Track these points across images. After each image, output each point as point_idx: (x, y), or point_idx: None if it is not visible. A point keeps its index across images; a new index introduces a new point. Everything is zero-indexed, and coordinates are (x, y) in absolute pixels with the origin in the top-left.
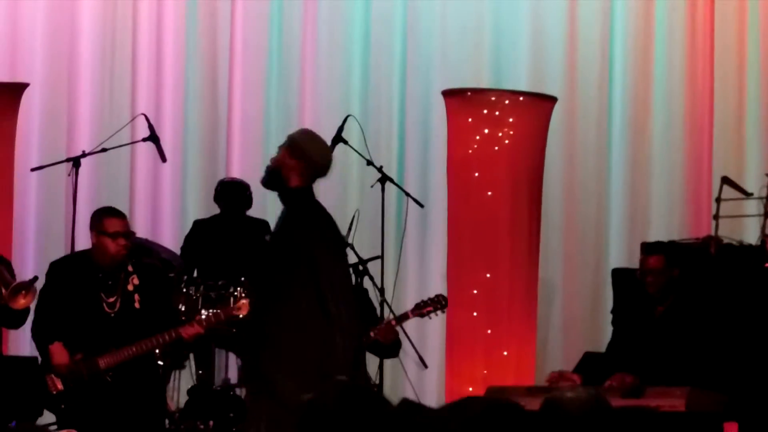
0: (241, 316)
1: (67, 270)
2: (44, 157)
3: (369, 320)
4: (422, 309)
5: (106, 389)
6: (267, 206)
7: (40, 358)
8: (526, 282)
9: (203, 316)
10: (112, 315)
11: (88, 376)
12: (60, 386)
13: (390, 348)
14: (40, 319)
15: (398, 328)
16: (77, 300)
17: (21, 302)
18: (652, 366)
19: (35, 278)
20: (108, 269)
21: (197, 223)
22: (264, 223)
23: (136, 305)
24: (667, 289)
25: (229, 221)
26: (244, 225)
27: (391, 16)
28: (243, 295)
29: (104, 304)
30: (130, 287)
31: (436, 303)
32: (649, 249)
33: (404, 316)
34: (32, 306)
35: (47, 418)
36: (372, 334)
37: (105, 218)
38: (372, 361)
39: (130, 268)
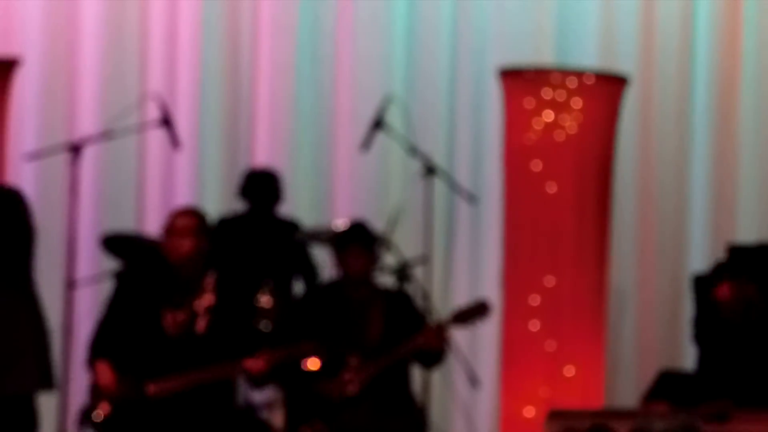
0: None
1: (136, 276)
2: (41, 143)
3: (410, 331)
4: (461, 318)
5: (156, 417)
6: (296, 203)
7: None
8: (594, 290)
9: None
10: (172, 337)
11: (134, 402)
12: (107, 409)
13: (434, 355)
14: (97, 332)
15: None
16: (139, 313)
17: None
18: (744, 387)
19: None
20: (180, 281)
21: (221, 223)
22: (294, 224)
23: (201, 329)
24: (747, 310)
25: (256, 219)
26: (273, 224)
27: None
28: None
29: (166, 323)
30: (201, 307)
31: (477, 311)
32: (713, 275)
33: (440, 326)
34: None
35: None
36: (420, 341)
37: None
38: (418, 378)
39: (208, 284)
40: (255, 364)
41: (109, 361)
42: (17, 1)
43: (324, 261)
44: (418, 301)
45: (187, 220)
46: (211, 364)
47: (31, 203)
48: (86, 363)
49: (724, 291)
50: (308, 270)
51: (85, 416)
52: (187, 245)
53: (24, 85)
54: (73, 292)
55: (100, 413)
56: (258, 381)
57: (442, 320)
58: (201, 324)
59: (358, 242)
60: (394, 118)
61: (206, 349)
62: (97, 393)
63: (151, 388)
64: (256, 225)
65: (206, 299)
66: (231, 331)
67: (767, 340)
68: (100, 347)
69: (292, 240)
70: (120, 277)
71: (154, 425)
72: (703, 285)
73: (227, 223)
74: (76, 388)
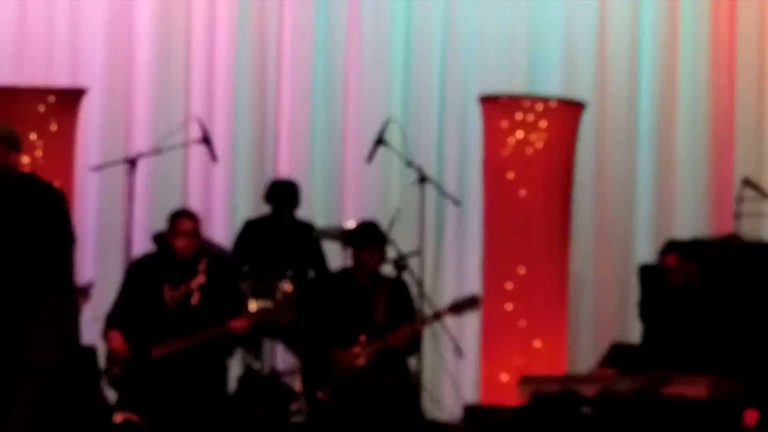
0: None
1: (144, 265)
2: (103, 159)
3: (407, 314)
4: (457, 309)
5: (160, 377)
6: (311, 207)
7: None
8: (558, 276)
9: (253, 310)
10: (171, 309)
11: (141, 364)
12: (119, 370)
13: (406, 352)
14: (112, 307)
15: (424, 329)
16: (145, 292)
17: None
18: (681, 356)
19: (91, 284)
20: (179, 264)
21: (248, 224)
22: (310, 225)
23: (194, 302)
24: (687, 281)
25: (278, 221)
26: (292, 225)
27: (431, 27)
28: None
29: (166, 298)
30: (194, 285)
31: (470, 303)
32: (663, 249)
33: (438, 315)
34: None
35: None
36: (390, 339)
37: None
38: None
39: (201, 266)
40: (238, 323)
41: (120, 331)
42: (82, 38)
43: (332, 254)
44: (413, 288)
45: (186, 223)
46: (202, 329)
47: (94, 207)
48: (101, 333)
49: (671, 259)
50: (320, 262)
51: (102, 375)
52: (186, 242)
53: (89, 110)
54: None
55: (114, 373)
56: (242, 339)
57: (440, 310)
58: (195, 298)
59: (374, 241)
60: (393, 136)
61: (199, 319)
62: (110, 357)
63: (155, 352)
64: (278, 225)
65: (199, 279)
66: (218, 304)
67: (704, 312)
68: (113, 320)
69: (308, 238)
70: (134, 265)
71: (157, 383)
72: (647, 273)
73: (253, 224)
74: None
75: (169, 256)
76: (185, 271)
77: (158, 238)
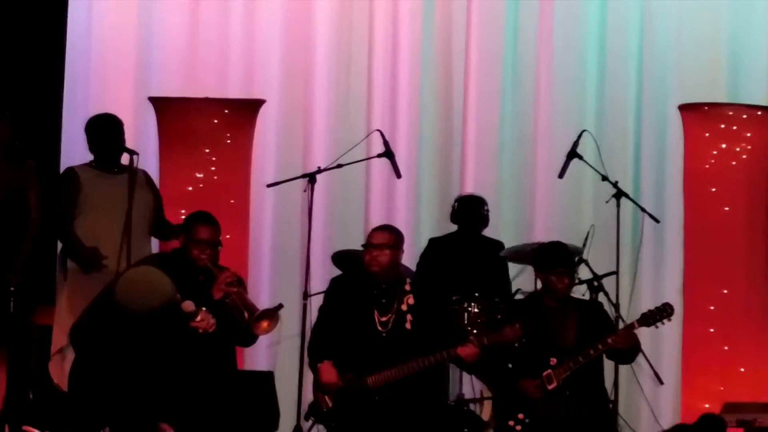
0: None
1: (344, 287)
2: (280, 173)
3: (606, 333)
4: (648, 319)
5: (376, 408)
6: (500, 225)
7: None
8: (763, 297)
9: (475, 336)
10: (384, 334)
11: (355, 395)
12: (330, 404)
13: (627, 353)
14: (315, 336)
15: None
16: (351, 317)
17: (263, 328)
18: None
19: (280, 306)
20: (384, 286)
21: (433, 241)
22: (499, 244)
23: (407, 325)
24: None
25: (465, 239)
26: (480, 244)
27: (627, 30)
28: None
29: (377, 323)
30: (404, 306)
31: (662, 312)
32: None
33: (630, 327)
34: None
35: None
36: (610, 340)
37: None
38: (608, 376)
39: (407, 287)
40: (467, 349)
41: (331, 361)
42: (258, 47)
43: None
44: (608, 310)
45: (384, 237)
46: (419, 355)
47: (270, 224)
48: (310, 365)
49: None
50: (505, 284)
51: (311, 410)
52: (386, 257)
53: (266, 123)
54: (308, 302)
55: (325, 406)
56: (471, 366)
57: (631, 322)
58: (407, 321)
59: (564, 265)
60: (587, 149)
61: (414, 343)
62: (321, 389)
63: (370, 380)
64: (465, 244)
65: (408, 299)
66: (432, 326)
67: None
68: (320, 349)
69: (497, 257)
70: (330, 289)
71: (373, 415)
72: None
73: (438, 242)
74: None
75: (367, 278)
76: (392, 293)
77: (338, 258)
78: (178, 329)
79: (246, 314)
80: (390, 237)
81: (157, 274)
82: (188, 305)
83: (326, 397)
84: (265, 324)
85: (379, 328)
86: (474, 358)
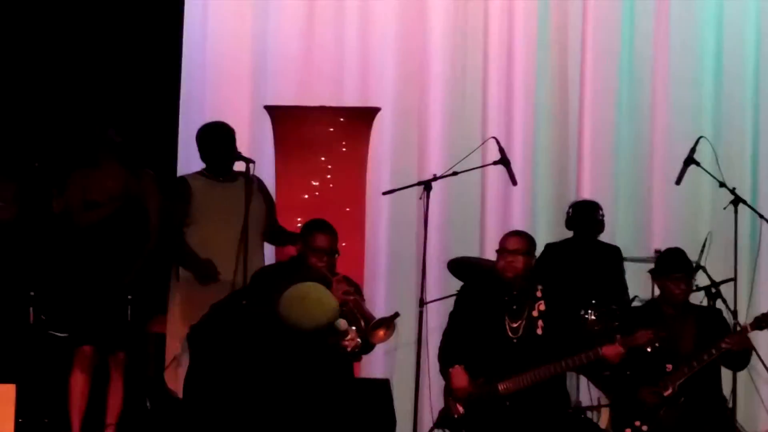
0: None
1: (475, 293)
2: (395, 181)
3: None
4: (761, 322)
5: (507, 414)
6: (616, 232)
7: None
8: None
9: (622, 336)
10: (515, 340)
11: (487, 401)
12: (461, 410)
13: (740, 356)
14: (445, 342)
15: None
16: (482, 323)
17: (380, 336)
18: None
19: (396, 314)
20: (516, 292)
21: (549, 247)
22: (616, 249)
23: (539, 331)
24: None
25: (580, 245)
26: (596, 250)
27: (744, 30)
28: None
29: (508, 329)
30: (535, 313)
31: None
32: None
33: (743, 330)
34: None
35: None
36: (723, 344)
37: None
38: (726, 382)
39: (538, 294)
40: (613, 349)
41: (462, 366)
42: (373, 56)
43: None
44: (727, 318)
45: (519, 243)
46: (549, 361)
47: (386, 233)
48: (441, 370)
49: None
50: (622, 290)
51: (443, 418)
52: (520, 262)
53: (381, 131)
54: (424, 309)
55: (456, 412)
56: (615, 366)
57: (744, 324)
58: (538, 327)
59: (681, 270)
60: (704, 155)
61: (545, 349)
62: (452, 395)
63: (501, 386)
64: (581, 250)
65: (539, 306)
66: (564, 332)
67: None
68: (451, 355)
69: (614, 263)
70: (460, 295)
71: (504, 421)
72: None
73: (554, 247)
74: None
75: (502, 283)
76: (523, 298)
77: (454, 265)
78: (328, 346)
79: (362, 322)
80: (525, 243)
81: (324, 291)
82: (343, 323)
83: (457, 404)
84: (381, 332)
85: (510, 334)
86: (619, 358)
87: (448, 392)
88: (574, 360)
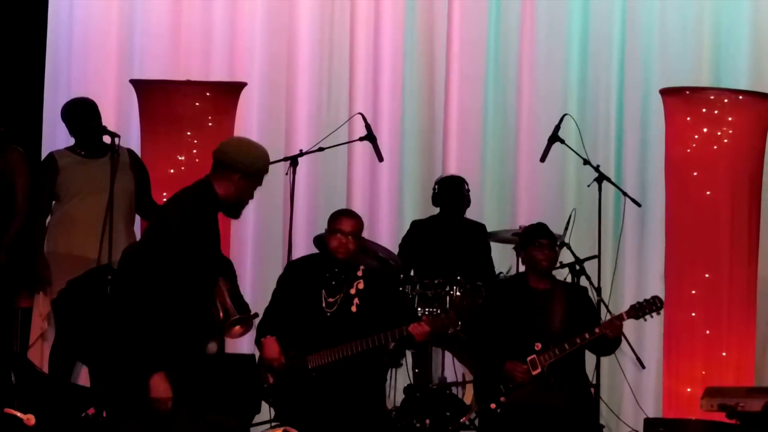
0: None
1: (298, 270)
2: None
3: (590, 320)
4: (638, 311)
5: (313, 387)
6: (483, 210)
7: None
8: (746, 282)
9: (429, 315)
10: (329, 314)
11: (295, 373)
12: (271, 380)
13: (611, 343)
14: (264, 315)
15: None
16: (301, 297)
17: (234, 333)
18: None
19: (255, 315)
20: (337, 269)
21: (415, 224)
22: (481, 226)
23: (353, 309)
24: None
25: (447, 222)
26: (462, 227)
27: (610, 13)
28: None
29: (324, 303)
30: (353, 291)
31: (652, 305)
32: None
33: (619, 318)
34: None
35: (265, 413)
36: (597, 330)
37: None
38: (589, 362)
39: (359, 273)
40: (419, 328)
41: (274, 337)
42: (241, 32)
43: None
44: (591, 294)
45: (346, 223)
46: (362, 337)
47: (253, 208)
48: (255, 341)
49: None
50: (488, 267)
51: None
52: (342, 242)
53: (248, 106)
54: None
55: (266, 382)
56: (419, 344)
57: (620, 313)
58: (354, 305)
59: (544, 237)
60: (569, 133)
61: (357, 326)
62: (264, 366)
63: (311, 360)
64: (447, 226)
65: (358, 284)
66: (380, 312)
67: None
68: (265, 326)
69: (480, 240)
70: (283, 273)
71: (311, 393)
72: None
73: (420, 224)
74: None
75: (327, 260)
76: (344, 276)
77: (319, 241)
78: None
79: (222, 314)
80: (358, 224)
81: None
82: (211, 347)
83: (268, 374)
84: (236, 331)
85: (325, 308)
86: (424, 338)
87: (260, 362)
88: (380, 337)
